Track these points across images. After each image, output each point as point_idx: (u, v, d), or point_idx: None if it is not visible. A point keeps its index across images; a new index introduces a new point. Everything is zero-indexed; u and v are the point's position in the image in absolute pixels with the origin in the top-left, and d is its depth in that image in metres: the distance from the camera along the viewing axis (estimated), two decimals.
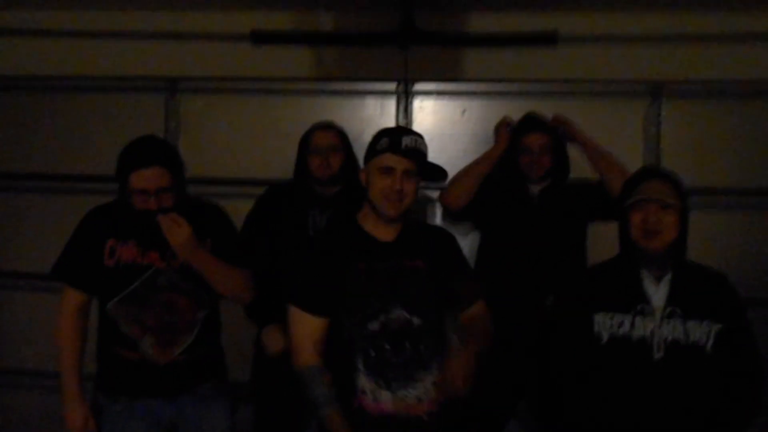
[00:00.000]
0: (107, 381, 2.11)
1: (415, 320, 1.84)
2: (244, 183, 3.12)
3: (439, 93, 3.26)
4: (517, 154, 2.67)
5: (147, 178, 1.95)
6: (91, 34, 3.31)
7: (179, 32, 3.28)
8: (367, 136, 3.29)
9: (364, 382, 1.82)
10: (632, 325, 1.81)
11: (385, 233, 1.89)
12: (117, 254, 2.03)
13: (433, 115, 3.26)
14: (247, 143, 3.29)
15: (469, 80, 3.24)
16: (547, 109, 2.78)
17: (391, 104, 3.27)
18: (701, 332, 1.79)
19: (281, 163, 2.78)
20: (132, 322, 2.04)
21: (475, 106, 3.25)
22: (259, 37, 3.24)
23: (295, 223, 2.56)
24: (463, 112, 3.25)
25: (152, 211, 1.96)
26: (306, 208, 2.58)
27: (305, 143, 2.63)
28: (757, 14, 3.07)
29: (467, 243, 2.94)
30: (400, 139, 1.83)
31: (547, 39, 3.14)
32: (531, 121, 2.70)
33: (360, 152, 3.17)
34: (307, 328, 1.85)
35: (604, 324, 1.83)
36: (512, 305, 2.49)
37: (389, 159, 1.82)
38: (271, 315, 2.50)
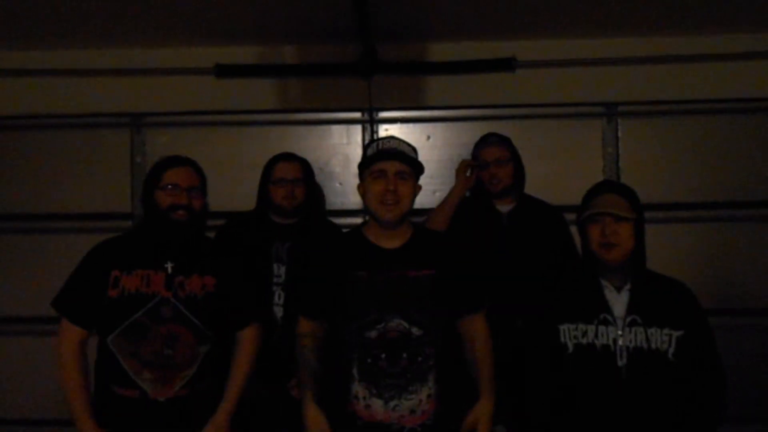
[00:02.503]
0: (104, 422, 1.99)
1: (415, 331, 1.84)
2: (212, 215, 3.10)
3: (404, 120, 3.34)
4: (478, 173, 2.73)
5: (180, 174, 2.04)
6: (54, 72, 3.30)
7: (144, 68, 3.30)
8: (335, 164, 3.36)
9: (357, 388, 1.85)
10: (596, 334, 1.85)
11: (389, 242, 1.91)
12: (121, 284, 1.98)
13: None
14: (214, 176, 3.23)
15: (432, 107, 3.31)
16: (507, 131, 2.86)
17: (357, 132, 3.33)
18: (662, 339, 1.84)
19: (248, 195, 2.79)
20: (130, 357, 1.97)
21: (439, 131, 3.32)
22: (224, 71, 3.27)
23: (259, 254, 2.56)
24: (428, 137, 3.32)
25: (181, 208, 1.98)
26: (269, 238, 2.59)
27: (267, 173, 2.66)
28: (706, 37, 3.22)
29: None
30: (388, 143, 1.91)
31: (506, 65, 3.24)
32: (488, 136, 2.77)
33: (327, 181, 3.28)
34: (306, 328, 1.95)
35: (569, 334, 1.88)
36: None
37: (381, 163, 1.87)
38: None
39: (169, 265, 2.02)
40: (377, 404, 1.83)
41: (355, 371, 1.85)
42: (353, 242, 1.97)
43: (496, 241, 2.65)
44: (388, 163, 1.87)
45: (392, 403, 1.82)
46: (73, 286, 2.04)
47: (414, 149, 1.97)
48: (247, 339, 2.15)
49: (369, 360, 1.84)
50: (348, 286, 1.87)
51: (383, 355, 1.83)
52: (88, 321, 2.01)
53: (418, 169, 1.94)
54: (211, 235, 2.71)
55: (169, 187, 2.02)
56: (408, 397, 1.83)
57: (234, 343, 2.15)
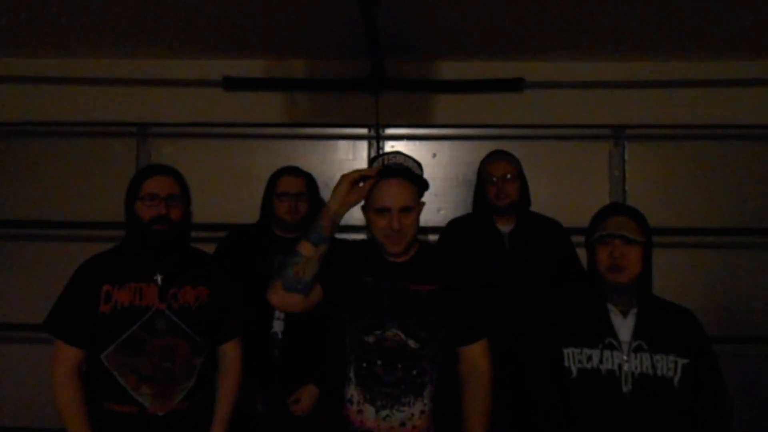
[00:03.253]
0: None
1: (411, 343, 1.83)
2: (217, 228, 3.11)
3: (410, 137, 3.34)
4: (483, 187, 2.70)
5: (158, 183, 2.00)
6: (62, 80, 3.32)
7: (152, 78, 3.32)
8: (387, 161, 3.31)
9: (352, 391, 1.85)
10: (601, 358, 1.83)
11: (397, 256, 1.91)
12: (114, 299, 1.94)
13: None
14: (220, 188, 3.29)
15: (439, 125, 3.32)
16: (514, 151, 2.84)
17: (362, 148, 3.33)
18: (668, 366, 1.81)
19: (253, 208, 2.78)
20: (128, 372, 1.92)
21: (445, 149, 3.32)
22: (232, 84, 3.29)
23: (261, 267, 2.55)
24: (434, 155, 3.31)
25: (160, 221, 1.95)
26: (271, 251, 2.58)
27: (272, 186, 2.65)
28: (714, 62, 3.23)
29: None
30: (394, 158, 1.90)
31: (514, 85, 3.25)
32: (495, 152, 2.75)
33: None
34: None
35: (574, 358, 1.85)
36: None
37: (385, 197, 1.84)
38: (248, 372, 2.47)
39: (159, 277, 1.99)
40: (369, 411, 1.82)
41: (351, 374, 1.86)
42: (364, 250, 1.99)
43: (497, 262, 2.62)
44: (395, 199, 1.84)
45: (384, 413, 1.81)
46: (65, 306, 1.98)
47: (419, 165, 1.96)
48: (233, 354, 2.13)
49: (365, 364, 1.84)
50: (353, 287, 1.88)
51: (379, 362, 1.83)
52: (84, 340, 1.95)
53: (422, 187, 1.93)
54: (213, 246, 2.71)
55: (148, 197, 1.98)
56: (400, 409, 1.81)
57: (218, 357, 2.12)
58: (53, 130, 3.36)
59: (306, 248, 1.87)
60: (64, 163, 3.37)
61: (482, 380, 1.92)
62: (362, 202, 1.95)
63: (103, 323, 1.93)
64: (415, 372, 1.83)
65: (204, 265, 2.12)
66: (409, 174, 1.87)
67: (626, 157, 3.27)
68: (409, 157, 1.95)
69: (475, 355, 1.93)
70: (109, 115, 3.34)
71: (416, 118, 3.31)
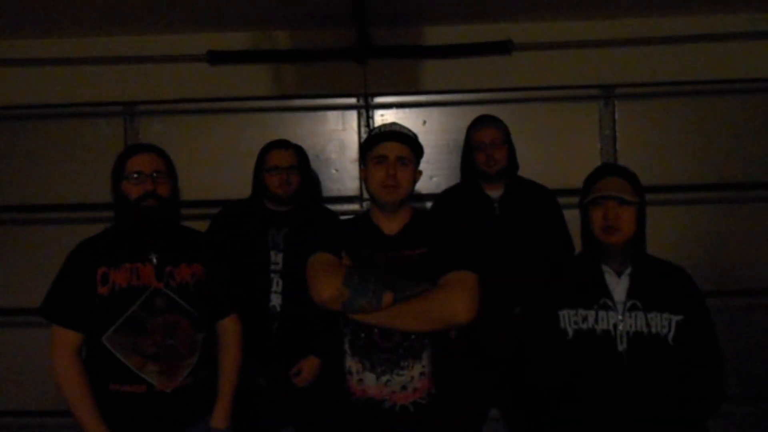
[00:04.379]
0: (109, 424, 1.93)
1: None
2: (209, 204, 3.10)
3: (399, 105, 3.31)
4: (472, 154, 2.70)
5: (142, 160, 1.99)
6: (44, 61, 3.26)
7: (135, 56, 3.26)
8: (330, 151, 3.34)
9: (350, 363, 1.88)
10: (596, 319, 1.85)
11: (390, 227, 1.95)
12: (111, 280, 1.94)
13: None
14: (210, 164, 3.27)
15: (428, 91, 3.29)
16: (504, 115, 2.84)
17: (352, 118, 3.31)
18: (662, 324, 1.84)
19: (245, 182, 2.77)
20: (132, 352, 1.93)
21: (435, 116, 3.30)
22: (216, 57, 3.24)
23: (256, 242, 2.55)
24: (424, 122, 3.30)
25: (149, 197, 1.95)
26: (265, 226, 2.58)
27: (262, 161, 2.64)
28: (703, 17, 3.19)
29: None
30: (390, 126, 1.95)
31: (502, 48, 3.21)
32: (482, 118, 2.75)
33: (323, 167, 3.26)
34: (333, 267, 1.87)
35: (569, 319, 1.88)
36: (480, 317, 2.50)
37: (382, 148, 1.91)
38: (247, 347, 2.49)
39: (153, 256, 1.99)
40: (370, 378, 1.85)
41: (347, 346, 1.89)
42: (357, 224, 2.01)
43: (488, 227, 2.64)
44: (389, 147, 1.90)
45: (384, 378, 1.84)
46: (60, 290, 1.98)
47: (415, 136, 1.98)
48: (231, 330, 2.16)
49: (363, 334, 1.86)
50: (351, 259, 1.89)
51: (376, 330, 1.85)
52: (82, 324, 1.95)
53: (418, 153, 1.97)
54: (206, 223, 2.71)
55: (134, 175, 1.98)
56: (400, 373, 1.84)
57: (218, 333, 2.15)
58: (38, 113, 3.32)
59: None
60: (51, 145, 3.33)
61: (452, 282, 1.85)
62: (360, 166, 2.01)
63: (102, 305, 1.94)
64: (413, 335, 1.85)
65: (196, 242, 2.13)
66: (406, 138, 1.93)
67: (616, 116, 3.26)
68: (405, 128, 2.00)
69: (455, 278, 1.85)
70: (95, 95, 3.29)
71: (405, 85, 3.28)
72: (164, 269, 1.99)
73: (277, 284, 2.54)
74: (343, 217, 2.54)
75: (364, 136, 3.24)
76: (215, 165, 3.27)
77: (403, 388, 1.85)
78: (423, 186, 3.17)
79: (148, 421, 1.95)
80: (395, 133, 1.93)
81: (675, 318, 1.84)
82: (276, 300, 2.54)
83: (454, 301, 1.80)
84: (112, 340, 1.94)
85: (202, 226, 2.70)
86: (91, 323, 1.95)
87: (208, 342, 2.08)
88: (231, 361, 2.14)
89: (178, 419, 1.99)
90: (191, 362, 2.00)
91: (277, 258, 2.56)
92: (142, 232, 2.00)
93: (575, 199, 2.06)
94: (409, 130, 1.98)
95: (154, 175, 1.99)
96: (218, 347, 2.14)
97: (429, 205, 3.06)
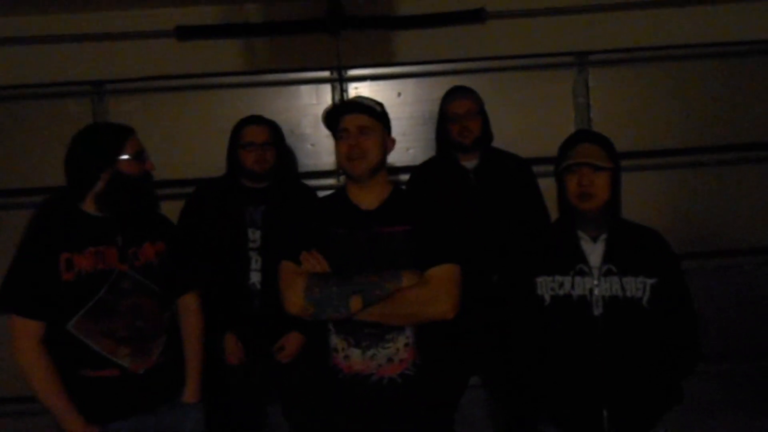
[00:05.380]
0: (83, 411, 1.90)
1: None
2: (183, 183, 3.06)
3: (374, 77, 3.28)
4: (446, 126, 2.69)
5: (137, 143, 2.00)
6: (8, 41, 3.16)
7: (102, 33, 3.17)
8: (305, 126, 3.30)
9: (336, 340, 1.88)
10: (572, 285, 1.88)
11: (368, 202, 1.93)
12: (75, 265, 1.89)
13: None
14: (181, 142, 3.22)
15: (403, 63, 3.25)
16: (478, 85, 2.83)
17: (326, 92, 3.27)
18: (637, 287, 1.86)
19: (219, 160, 2.73)
20: (102, 337, 1.90)
21: (410, 87, 3.28)
22: (185, 33, 3.16)
23: (232, 220, 2.53)
24: (399, 94, 3.27)
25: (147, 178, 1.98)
26: (241, 203, 2.56)
27: (236, 138, 2.60)
28: None
29: None
30: (351, 100, 1.96)
31: (475, 16, 3.18)
32: (455, 89, 2.75)
33: (298, 143, 3.23)
34: (295, 277, 1.87)
35: (546, 286, 1.90)
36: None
37: (343, 121, 1.90)
38: (226, 322, 2.49)
39: (119, 239, 1.96)
40: (355, 354, 1.86)
41: (330, 324, 1.88)
42: (334, 202, 1.99)
43: (464, 197, 2.64)
44: (348, 119, 1.90)
45: (370, 352, 1.85)
46: (19, 278, 1.89)
47: (379, 104, 1.96)
48: (192, 306, 2.16)
49: None
50: (327, 242, 1.89)
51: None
52: (44, 312, 1.88)
53: (384, 122, 1.94)
54: (181, 203, 2.68)
55: (138, 154, 1.99)
56: (385, 346, 1.85)
57: (179, 310, 2.14)
58: (2, 94, 3.22)
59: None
60: (16, 127, 3.24)
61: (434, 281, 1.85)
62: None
63: (67, 291, 1.88)
64: None
65: (157, 220, 2.11)
66: (363, 108, 1.91)
67: (590, 84, 3.26)
68: (367, 98, 1.98)
69: (437, 275, 1.86)
70: (61, 74, 3.20)
71: (378, 57, 3.24)
72: (128, 251, 1.97)
73: (256, 262, 2.53)
74: (320, 193, 2.53)
75: None
76: (188, 143, 3.21)
77: (389, 360, 1.86)
78: (399, 158, 3.16)
79: (122, 403, 1.94)
80: (353, 104, 1.92)
81: (649, 281, 1.86)
82: (255, 277, 2.53)
83: (438, 301, 1.82)
84: (79, 326, 1.90)
85: (176, 206, 2.68)
86: (54, 311, 1.89)
87: (174, 320, 2.09)
88: (194, 338, 2.14)
89: (152, 399, 1.99)
90: (161, 342, 2.00)
91: (254, 236, 2.55)
92: (106, 216, 1.96)
93: (550, 168, 2.06)
94: (373, 101, 1.96)
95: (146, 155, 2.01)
96: (181, 324, 2.13)
97: (405, 177, 3.04)
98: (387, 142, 1.95)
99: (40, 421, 2.91)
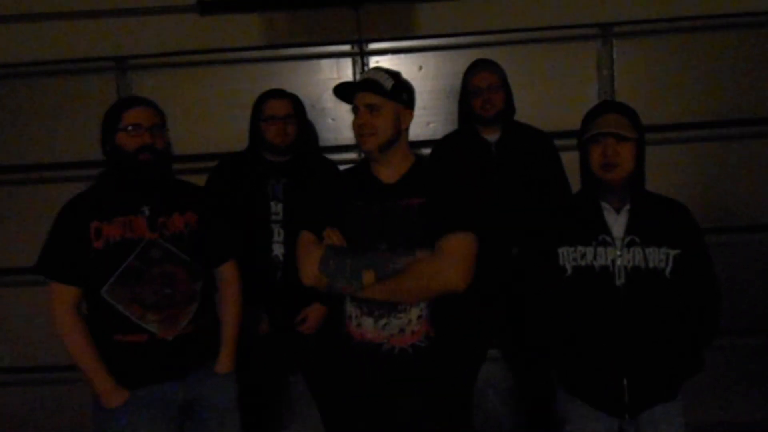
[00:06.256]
0: (114, 374, 1.98)
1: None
2: (205, 158, 3.08)
3: (395, 51, 3.25)
4: (469, 99, 2.69)
5: (140, 113, 1.98)
6: (31, 17, 3.19)
7: (125, 8, 3.18)
8: (326, 100, 3.31)
9: (350, 308, 1.92)
10: (594, 255, 1.87)
11: (388, 175, 1.95)
12: (104, 234, 1.95)
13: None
14: (204, 117, 3.23)
15: (423, 36, 3.22)
16: (501, 58, 2.80)
17: (347, 65, 3.25)
18: (660, 258, 1.85)
19: (241, 134, 2.75)
20: (131, 303, 1.96)
21: (431, 61, 3.25)
22: (207, 7, 3.16)
23: (256, 193, 2.55)
24: (420, 68, 3.25)
25: (146, 150, 1.95)
26: (264, 177, 2.57)
27: (258, 111, 2.61)
28: None
29: None
30: (365, 74, 1.97)
31: None
32: (478, 62, 2.73)
33: (319, 117, 3.23)
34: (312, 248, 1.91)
35: (568, 257, 1.90)
36: (479, 258, 2.52)
37: (354, 98, 1.92)
38: (252, 296, 2.52)
39: (146, 209, 2.00)
40: (368, 323, 1.88)
41: None
42: (357, 175, 2.01)
43: (485, 170, 2.64)
44: (359, 97, 1.92)
45: (382, 322, 1.87)
46: (55, 246, 1.98)
47: (394, 75, 1.95)
48: (230, 276, 2.18)
49: None
50: (345, 214, 1.91)
51: None
52: (79, 278, 1.97)
53: (395, 96, 1.91)
54: (204, 177, 2.70)
55: (131, 128, 1.97)
56: (398, 316, 1.86)
57: (216, 281, 2.17)
58: (26, 71, 3.25)
59: None
60: (41, 103, 3.27)
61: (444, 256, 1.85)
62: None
63: (98, 259, 1.95)
64: None
65: (189, 191, 2.14)
66: (369, 85, 1.91)
67: (614, 56, 3.21)
68: (382, 70, 1.97)
69: (450, 244, 1.84)
70: (84, 50, 3.22)
71: (399, 30, 3.20)
72: (157, 220, 2.00)
73: (278, 234, 2.56)
74: (341, 167, 2.54)
75: None
76: (210, 118, 3.23)
77: (401, 331, 1.87)
78: (420, 132, 3.15)
79: (151, 368, 1.99)
80: (363, 82, 1.93)
81: (672, 252, 1.85)
82: (278, 250, 2.56)
83: (450, 271, 1.82)
84: (111, 292, 1.96)
85: (199, 180, 2.70)
86: (88, 277, 1.97)
87: (206, 290, 2.11)
88: (231, 307, 2.17)
89: (181, 366, 2.04)
90: (190, 310, 2.03)
91: (277, 208, 2.57)
92: (134, 185, 1.99)
93: (573, 141, 2.05)
94: (386, 74, 1.94)
95: (150, 129, 1.98)
96: (218, 294, 2.16)
97: (427, 152, 3.04)
98: (401, 117, 1.93)
99: (79, 389, 3.04)
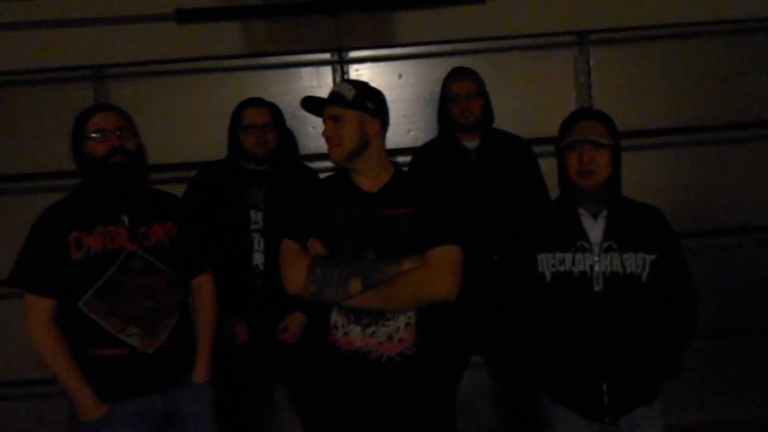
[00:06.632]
0: (93, 388, 1.94)
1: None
2: (185, 167, 3.07)
3: (374, 59, 3.27)
4: (448, 107, 2.71)
5: (104, 119, 1.96)
6: (6, 26, 3.15)
7: (102, 17, 3.16)
8: (301, 107, 3.29)
9: (336, 317, 1.90)
10: (573, 261, 1.89)
11: (369, 184, 1.95)
12: (85, 245, 1.90)
13: (370, 82, 3.23)
14: (183, 126, 3.22)
15: (403, 44, 3.24)
16: (479, 66, 2.82)
17: (326, 74, 3.26)
18: (637, 263, 1.88)
19: (220, 143, 2.74)
20: (111, 315, 1.92)
21: (410, 69, 3.27)
22: (185, 16, 3.15)
23: (234, 202, 2.55)
24: (400, 75, 3.27)
25: (117, 153, 1.92)
26: (243, 186, 2.57)
27: (236, 120, 2.61)
28: None
29: None
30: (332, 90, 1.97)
31: None
32: (457, 70, 2.76)
33: (300, 125, 3.23)
34: (297, 256, 1.90)
35: (547, 263, 1.91)
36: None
37: (324, 112, 1.95)
38: (233, 306, 2.51)
39: (125, 218, 1.97)
40: (355, 331, 1.88)
41: None
42: (337, 183, 2.01)
43: (465, 177, 2.66)
44: (326, 110, 1.94)
45: (370, 330, 1.87)
46: (31, 257, 1.93)
47: (358, 85, 1.96)
48: (206, 287, 2.17)
49: None
50: (327, 221, 1.91)
51: None
52: (56, 290, 1.91)
53: (358, 106, 1.91)
54: (183, 186, 2.69)
55: (97, 134, 1.94)
56: (385, 324, 1.87)
57: (192, 291, 2.16)
58: (2, 80, 3.21)
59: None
60: (18, 113, 3.24)
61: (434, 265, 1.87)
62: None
63: (77, 271, 1.91)
64: None
65: (168, 202, 2.12)
66: (332, 97, 1.94)
67: (591, 63, 3.25)
68: (346, 81, 2.02)
69: (439, 255, 1.87)
70: (61, 59, 3.18)
71: (379, 38, 3.22)
72: (137, 230, 1.98)
73: (258, 243, 2.55)
74: (322, 176, 2.54)
75: None
76: (189, 127, 3.22)
77: (389, 338, 1.87)
78: (401, 140, 3.16)
79: (131, 382, 1.96)
80: (329, 96, 1.96)
81: (649, 257, 1.88)
82: (258, 259, 2.55)
83: (439, 281, 1.84)
84: (90, 305, 1.92)
85: (179, 189, 2.68)
86: (65, 289, 1.92)
87: (185, 301, 2.09)
88: (207, 318, 2.16)
89: (161, 379, 2.01)
90: (171, 322, 2.01)
91: (257, 217, 2.56)
92: (113, 192, 1.97)
93: (551, 148, 2.07)
94: (350, 85, 1.95)
95: (118, 132, 1.95)
96: (194, 305, 2.15)
97: (407, 159, 3.05)
98: (366, 125, 1.92)
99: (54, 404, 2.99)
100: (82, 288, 1.92)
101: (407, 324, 1.88)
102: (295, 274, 1.86)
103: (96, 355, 1.94)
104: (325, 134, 1.94)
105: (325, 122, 1.95)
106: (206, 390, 2.13)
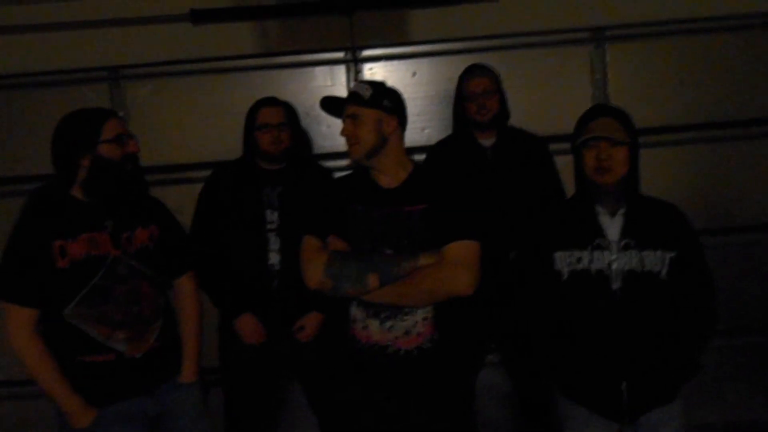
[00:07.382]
0: (82, 395, 1.94)
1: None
2: (200, 167, 3.08)
3: (388, 57, 3.26)
4: (463, 104, 2.70)
5: (115, 125, 1.96)
6: (24, 28, 3.18)
7: (117, 18, 3.18)
8: (320, 107, 3.30)
9: (355, 311, 1.92)
10: (590, 259, 1.88)
11: (388, 181, 1.97)
12: (69, 253, 1.88)
13: (383, 80, 3.26)
14: (198, 126, 3.23)
15: (417, 42, 3.23)
16: (495, 63, 2.81)
17: (340, 73, 3.26)
18: (656, 261, 1.86)
19: (235, 143, 2.75)
20: (97, 323, 1.91)
21: (424, 67, 3.26)
22: (199, 16, 3.16)
23: (249, 202, 2.55)
24: (414, 74, 3.26)
25: (131, 160, 1.95)
26: (258, 185, 2.57)
27: (251, 120, 2.61)
28: None
29: None
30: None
31: None
32: (473, 67, 2.75)
33: (314, 124, 3.23)
34: (317, 252, 1.93)
35: (564, 261, 1.90)
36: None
37: (343, 112, 1.97)
38: (241, 303, 2.51)
39: (108, 224, 1.96)
40: (373, 325, 1.90)
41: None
42: (356, 180, 2.03)
43: (481, 175, 2.65)
44: (346, 109, 1.96)
45: (387, 324, 1.89)
46: (12, 267, 1.89)
47: (375, 84, 1.99)
48: (189, 288, 2.18)
49: None
50: (346, 217, 1.93)
51: None
52: (39, 299, 1.89)
53: (376, 104, 1.93)
54: (197, 186, 2.70)
55: (115, 139, 1.94)
56: (403, 318, 1.88)
57: (175, 292, 2.17)
58: (19, 82, 3.24)
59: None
60: (34, 115, 3.25)
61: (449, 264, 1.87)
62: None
63: (63, 279, 1.89)
64: None
65: (148, 204, 2.10)
66: (351, 98, 1.96)
67: (607, 59, 3.22)
68: (363, 82, 2.04)
69: (456, 250, 1.87)
70: (76, 61, 3.21)
71: (393, 36, 3.22)
72: (121, 236, 1.97)
73: (274, 242, 2.55)
74: (336, 174, 2.54)
75: None
76: (204, 127, 3.23)
77: (407, 333, 1.89)
78: (415, 138, 3.15)
79: (120, 387, 1.96)
80: (347, 96, 1.98)
81: (668, 254, 1.86)
82: (274, 258, 2.55)
83: (457, 277, 1.85)
84: (75, 313, 1.91)
85: (194, 189, 2.70)
86: (50, 297, 1.90)
87: (167, 306, 2.10)
88: (191, 319, 2.16)
89: (150, 382, 2.02)
90: (157, 326, 2.02)
91: (272, 217, 2.57)
92: (97, 201, 1.95)
93: (567, 145, 2.05)
94: (367, 85, 1.97)
95: (128, 137, 1.98)
96: (177, 307, 2.15)
97: (422, 157, 3.04)
98: (384, 123, 1.93)
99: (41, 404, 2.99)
100: (68, 296, 1.90)
101: (425, 319, 1.89)
102: (314, 270, 1.88)
103: (84, 362, 1.93)
104: (343, 133, 1.96)
105: (344, 122, 1.97)
106: (195, 390, 2.14)
